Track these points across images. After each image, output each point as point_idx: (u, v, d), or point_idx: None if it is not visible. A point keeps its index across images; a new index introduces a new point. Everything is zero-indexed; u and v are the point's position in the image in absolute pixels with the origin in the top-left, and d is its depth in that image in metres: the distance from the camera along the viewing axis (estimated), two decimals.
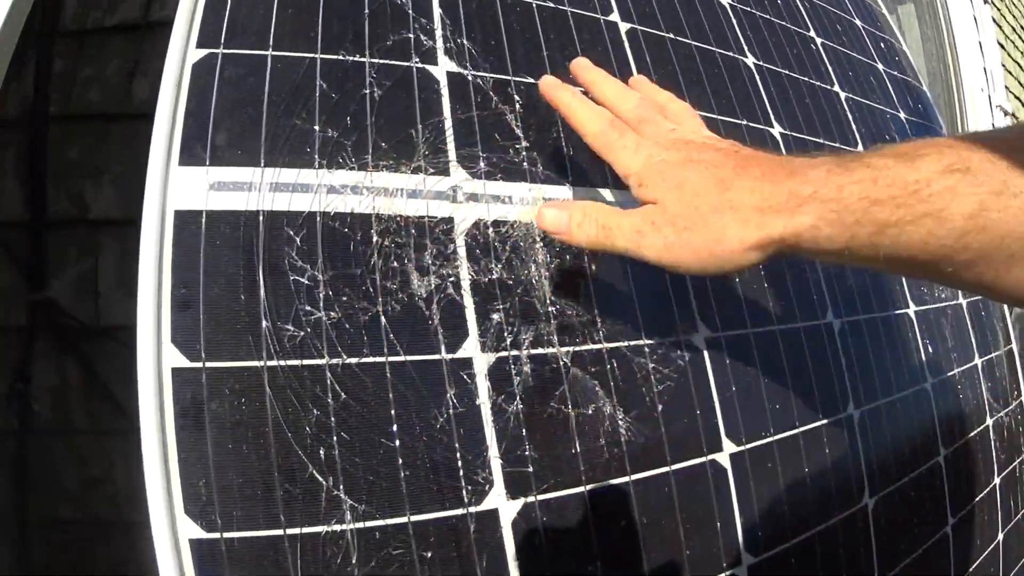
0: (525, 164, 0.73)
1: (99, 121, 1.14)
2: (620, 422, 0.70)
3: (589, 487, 0.69)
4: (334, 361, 0.62)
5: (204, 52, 0.69)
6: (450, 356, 0.65)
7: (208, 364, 0.57)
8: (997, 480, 1.19)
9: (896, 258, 0.42)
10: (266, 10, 0.74)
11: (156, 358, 0.56)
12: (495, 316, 0.68)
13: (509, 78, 0.77)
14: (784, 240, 0.46)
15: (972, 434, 1.12)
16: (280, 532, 0.56)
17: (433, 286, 0.67)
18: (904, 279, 1.07)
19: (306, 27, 0.74)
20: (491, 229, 0.70)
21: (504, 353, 0.67)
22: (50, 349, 1.12)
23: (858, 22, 1.29)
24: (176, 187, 0.62)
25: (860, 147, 1.09)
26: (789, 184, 0.46)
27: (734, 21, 1.01)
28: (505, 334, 0.68)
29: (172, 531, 0.53)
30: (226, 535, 0.54)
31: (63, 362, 1.13)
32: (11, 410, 1.12)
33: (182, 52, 0.69)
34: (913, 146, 0.43)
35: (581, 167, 0.76)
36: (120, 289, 1.11)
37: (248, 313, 0.60)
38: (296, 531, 0.56)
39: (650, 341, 0.74)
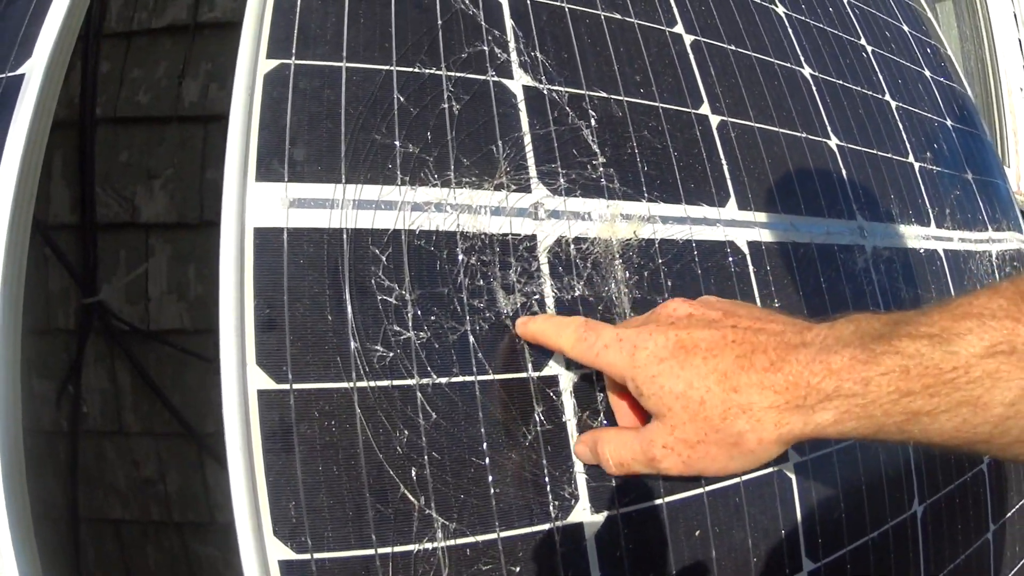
0: (603, 180, 0.74)
1: (148, 124, 1.14)
2: None
3: (667, 499, 0.70)
4: (424, 381, 0.62)
5: (276, 62, 0.69)
6: (536, 374, 0.66)
7: (296, 386, 0.57)
8: None
9: (927, 442, 0.39)
10: (337, 18, 0.73)
11: (241, 380, 0.56)
12: None
13: (583, 92, 0.77)
14: (805, 435, 0.43)
15: None
16: (372, 552, 0.56)
17: (519, 304, 0.68)
18: (956, 288, 1.09)
19: (380, 37, 0.74)
20: (572, 246, 0.71)
21: (588, 370, 0.68)
22: (101, 352, 1.13)
23: (905, 28, 1.29)
24: (254, 204, 0.62)
25: (911, 157, 1.10)
26: (807, 375, 0.41)
27: (790, 31, 1.01)
28: None
29: (261, 553, 0.53)
30: (317, 556, 0.54)
31: (114, 365, 1.13)
32: (61, 411, 1.13)
33: (252, 62, 0.68)
34: (951, 319, 0.37)
35: (656, 182, 0.77)
36: (171, 293, 1.12)
37: (336, 333, 0.60)
38: (388, 550, 0.57)
39: None
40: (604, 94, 0.78)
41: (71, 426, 1.12)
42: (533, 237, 0.70)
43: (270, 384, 0.56)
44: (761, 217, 0.83)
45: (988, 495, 1.08)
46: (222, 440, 0.55)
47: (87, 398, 1.13)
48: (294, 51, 0.70)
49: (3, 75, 0.67)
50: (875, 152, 1.02)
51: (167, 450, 1.12)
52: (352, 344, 0.61)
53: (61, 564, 1.10)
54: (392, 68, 0.73)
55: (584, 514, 0.65)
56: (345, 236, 0.65)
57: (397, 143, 0.70)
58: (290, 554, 0.54)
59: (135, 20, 1.29)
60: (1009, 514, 1.12)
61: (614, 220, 0.73)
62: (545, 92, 0.76)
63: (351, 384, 0.59)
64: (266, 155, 0.65)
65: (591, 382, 0.68)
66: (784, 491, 0.78)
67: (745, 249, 0.80)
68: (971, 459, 1.05)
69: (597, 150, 0.75)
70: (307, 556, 0.54)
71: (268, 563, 0.53)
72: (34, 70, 0.67)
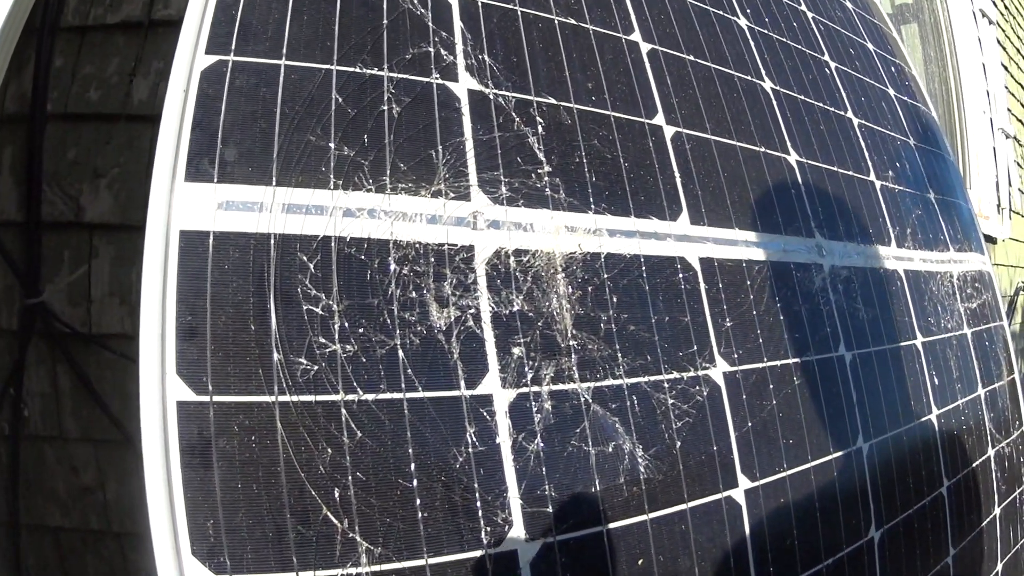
0: (547, 190, 0.71)
1: (97, 121, 1.08)
2: (639, 459, 0.68)
3: (609, 526, 0.66)
4: (349, 397, 0.59)
5: (214, 59, 0.65)
6: (470, 392, 0.63)
7: (216, 398, 0.54)
8: (997, 511, 1.20)
9: None
10: (280, 15, 0.70)
11: (161, 390, 0.53)
12: (516, 350, 0.65)
13: (532, 98, 0.74)
14: None
15: (974, 465, 1.13)
16: (293, 575, 0.53)
17: (453, 318, 0.64)
18: (916, 308, 1.07)
19: (322, 35, 0.70)
20: (512, 258, 0.67)
21: (525, 389, 0.65)
22: (43, 355, 1.07)
23: (870, 45, 1.28)
24: (181, 205, 0.58)
25: (872, 175, 1.08)
26: None
27: (752, 44, 1.00)
28: (526, 369, 0.65)
29: (179, 572, 0.50)
30: None
31: (55, 368, 1.08)
32: (2, 414, 1.07)
33: (190, 58, 0.65)
34: None
35: (604, 193, 0.74)
36: (113, 296, 1.07)
37: (258, 344, 0.57)
38: (309, 574, 0.54)
39: (670, 376, 0.72)
40: (553, 100, 0.75)
41: (12, 430, 1.07)
42: (471, 248, 0.66)
43: (190, 395, 0.53)
44: (715, 233, 0.81)
45: (948, 519, 1.06)
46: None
47: (28, 402, 1.08)
48: (233, 47, 0.67)
49: None
50: (835, 169, 1.01)
51: (106, 457, 1.07)
52: (275, 356, 0.57)
53: (2, 569, 1.05)
54: (332, 67, 0.69)
55: (519, 541, 0.62)
56: (272, 242, 0.62)
57: (332, 145, 0.66)
58: (208, 574, 0.51)
59: (91, 15, 1.25)
60: (970, 537, 1.10)
61: (558, 232, 0.70)
62: (491, 97, 0.73)
63: (273, 398, 0.56)
64: (196, 155, 0.61)
65: (529, 402, 0.65)
66: (733, 517, 0.75)
67: (697, 266, 0.78)
68: (930, 482, 1.03)
69: (543, 158, 0.72)
70: None
71: None
72: None
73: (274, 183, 0.63)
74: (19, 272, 1.12)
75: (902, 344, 1.02)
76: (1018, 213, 2.17)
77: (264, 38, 0.68)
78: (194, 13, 0.66)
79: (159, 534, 0.50)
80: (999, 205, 1.85)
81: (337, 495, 0.56)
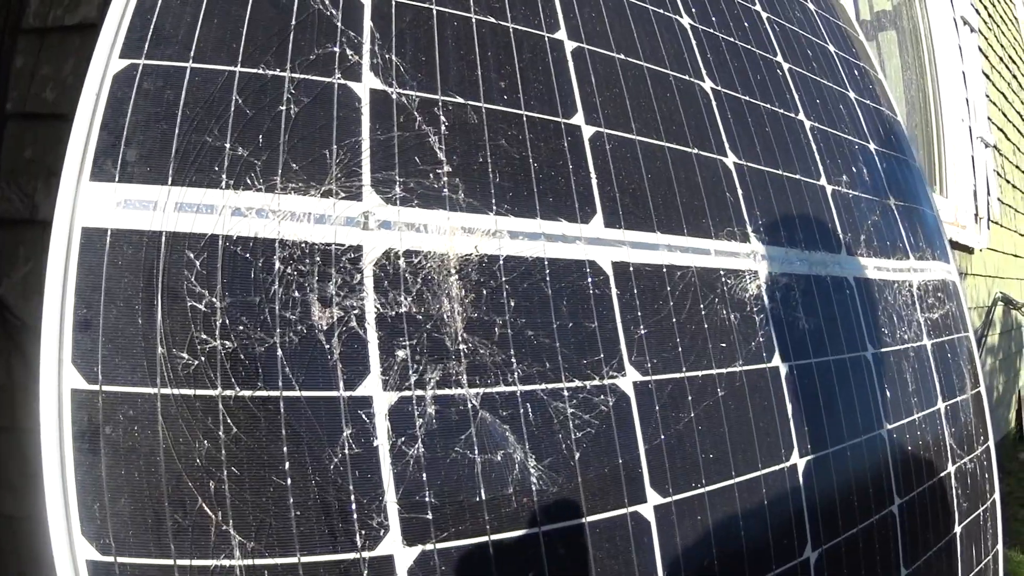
0: (445, 190, 0.69)
1: (52, 120, 1.10)
2: (532, 469, 0.66)
3: (494, 537, 0.64)
4: (227, 393, 0.59)
5: (126, 63, 0.66)
6: (348, 394, 0.62)
7: (105, 388, 0.56)
8: (958, 529, 1.15)
9: None
10: (192, 18, 0.70)
11: (57, 378, 0.55)
12: (400, 353, 0.64)
13: (437, 97, 0.73)
14: None
15: (931, 482, 1.08)
16: (171, 562, 0.55)
17: (335, 318, 0.63)
18: (867, 318, 1.03)
19: (229, 38, 0.70)
20: (402, 259, 0.66)
21: (408, 392, 0.63)
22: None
23: (831, 48, 1.25)
24: (85, 203, 0.60)
25: (823, 180, 1.05)
26: None
27: (694, 43, 0.97)
28: (410, 372, 0.64)
29: (71, 551, 0.53)
30: (120, 559, 0.54)
31: (10, 360, 1.11)
32: None
33: (105, 61, 0.67)
34: None
35: (508, 194, 0.72)
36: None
37: (144, 337, 0.58)
38: (186, 562, 0.55)
39: (570, 384, 0.70)
40: (460, 100, 0.74)
41: None
42: (359, 248, 0.65)
43: (82, 384, 0.56)
44: (632, 236, 0.78)
45: (900, 537, 1.01)
46: None
47: None
48: (145, 51, 0.68)
49: None
50: (780, 172, 0.97)
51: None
52: (159, 350, 0.58)
53: None
54: (236, 69, 0.69)
55: (395, 546, 0.60)
56: (163, 239, 0.62)
57: (227, 146, 0.66)
58: (96, 555, 0.53)
59: (50, 16, 1.28)
60: (925, 557, 1.06)
61: (454, 233, 0.68)
62: (394, 96, 0.72)
63: (155, 390, 0.57)
64: (101, 155, 0.63)
65: (411, 405, 0.63)
66: (640, 534, 0.72)
67: (608, 270, 0.75)
68: (879, 500, 0.99)
69: (444, 158, 0.70)
70: (111, 559, 0.53)
71: (76, 561, 0.52)
72: None
73: (169, 182, 0.64)
74: None
75: (849, 355, 0.98)
76: (997, 223, 2.09)
77: (175, 41, 0.68)
78: (113, 17, 0.68)
79: (55, 513, 0.53)
80: (977, 215, 1.78)
81: (212, 487, 0.57)
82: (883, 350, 1.03)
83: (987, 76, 2.17)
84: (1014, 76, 2.89)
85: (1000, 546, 1.35)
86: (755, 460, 0.83)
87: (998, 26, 2.70)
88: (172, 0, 0.70)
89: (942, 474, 1.11)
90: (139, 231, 0.61)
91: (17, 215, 1.21)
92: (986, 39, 2.30)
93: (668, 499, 0.74)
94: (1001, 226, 2.42)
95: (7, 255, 1.19)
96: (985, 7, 2.54)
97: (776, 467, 0.85)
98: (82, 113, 0.62)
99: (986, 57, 2.23)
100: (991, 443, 1.29)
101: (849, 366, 0.97)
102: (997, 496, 1.35)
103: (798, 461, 0.87)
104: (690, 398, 0.78)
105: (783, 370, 0.88)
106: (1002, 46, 2.65)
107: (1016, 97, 2.90)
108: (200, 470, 0.57)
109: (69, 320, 0.57)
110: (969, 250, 2.04)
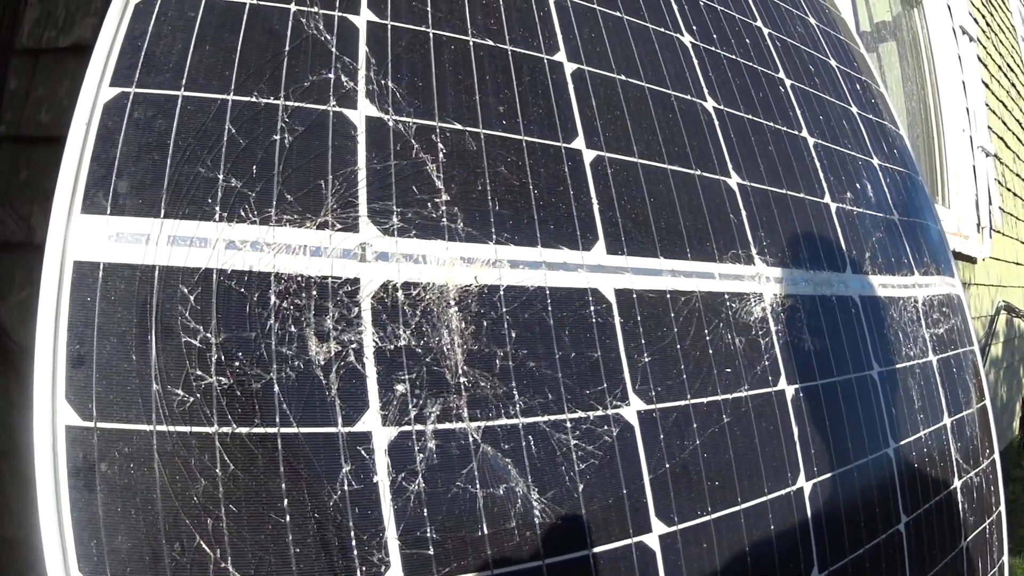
0: (444, 220, 0.68)
1: (47, 143, 1.10)
2: (535, 503, 0.65)
3: (497, 571, 0.63)
4: (223, 430, 0.58)
5: (117, 91, 0.65)
6: (347, 430, 0.61)
7: (100, 424, 0.56)
8: (964, 543, 1.13)
9: None
10: (184, 45, 0.69)
11: (51, 414, 0.55)
12: (399, 387, 0.63)
13: (435, 124, 0.72)
14: None
15: (937, 498, 1.07)
16: None
17: (333, 353, 0.62)
18: (872, 336, 1.02)
19: (222, 65, 0.69)
20: (401, 292, 0.65)
21: (407, 427, 0.62)
22: None
23: (833, 62, 1.24)
24: (76, 237, 0.59)
25: (827, 197, 1.04)
26: None
27: (695, 62, 0.96)
28: (410, 407, 0.63)
29: None
30: None
31: (8, 384, 1.10)
32: None
33: (95, 90, 0.66)
34: None
35: (508, 223, 0.71)
36: None
37: (139, 374, 0.57)
38: None
39: (573, 415, 0.68)
40: (459, 126, 0.73)
41: None
42: (356, 281, 0.64)
43: (77, 420, 0.55)
44: (634, 262, 0.77)
45: (906, 556, 1.00)
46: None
47: None
48: (136, 79, 0.67)
49: None
50: (784, 192, 0.96)
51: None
52: (154, 386, 0.58)
53: None
54: (228, 97, 0.68)
55: None
56: (156, 274, 0.61)
57: (220, 177, 0.65)
58: None
59: (44, 37, 1.27)
60: (932, 572, 1.04)
61: (453, 264, 0.67)
62: (391, 124, 0.70)
63: (151, 427, 0.57)
64: (93, 187, 0.62)
65: (411, 440, 0.62)
66: (645, 566, 0.71)
67: (611, 298, 0.74)
68: (885, 519, 0.98)
69: (441, 187, 0.69)
70: None
71: None
72: None
73: (162, 215, 0.63)
74: None
75: (855, 375, 0.96)
76: (999, 232, 2.08)
77: (166, 69, 0.67)
78: (103, 44, 0.67)
79: (51, 549, 0.52)
80: (979, 224, 1.77)
81: (210, 525, 0.56)
82: (889, 368, 1.02)
83: (986, 85, 2.16)
84: (1013, 84, 2.88)
85: (1006, 557, 1.34)
86: (761, 485, 0.82)
87: (996, 35, 2.69)
88: (163, 26, 0.69)
89: (948, 490, 1.09)
90: (132, 265, 0.60)
91: (13, 238, 1.20)
92: (984, 48, 2.29)
93: (673, 528, 0.73)
94: (1003, 235, 2.41)
95: (4, 279, 1.18)
96: (983, 16, 2.54)
97: (782, 491, 0.84)
98: (72, 144, 0.61)
99: (985, 66, 2.22)
100: (996, 455, 1.28)
101: (855, 386, 0.96)
102: (1003, 508, 1.34)
103: (804, 484, 0.86)
104: (695, 425, 0.77)
105: (789, 393, 0.87)
106: (1000, 55, 2.64)
107: (1016, 105, 2.90)
108: (198, 507, 0.56)
109: (63, 356, 0.56)
110: (972, 260, 2.02)
